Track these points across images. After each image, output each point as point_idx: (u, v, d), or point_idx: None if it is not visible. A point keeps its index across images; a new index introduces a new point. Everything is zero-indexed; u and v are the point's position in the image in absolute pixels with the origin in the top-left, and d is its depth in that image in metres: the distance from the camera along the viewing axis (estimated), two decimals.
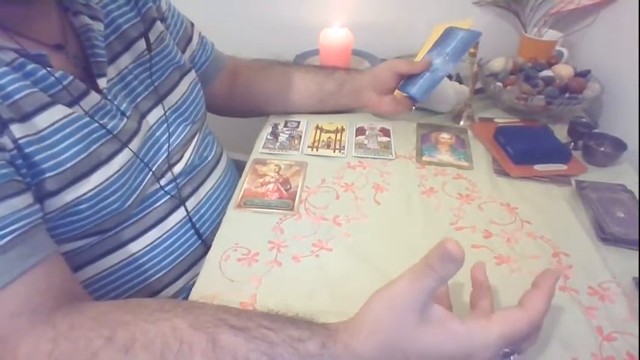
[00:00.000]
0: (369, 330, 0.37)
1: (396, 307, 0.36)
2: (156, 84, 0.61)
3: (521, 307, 0.38)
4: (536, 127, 0.79)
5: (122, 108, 0.55)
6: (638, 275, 0.52)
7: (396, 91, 0.78)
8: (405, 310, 0.36)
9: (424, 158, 0.73)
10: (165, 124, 0.61)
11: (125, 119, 0.55)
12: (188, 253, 0.61)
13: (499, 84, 0.84)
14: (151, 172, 0.57)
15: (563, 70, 0.84)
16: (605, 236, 0.57)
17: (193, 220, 0.62)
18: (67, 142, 0.47)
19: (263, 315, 0.39)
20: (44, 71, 0.47)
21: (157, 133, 0.60)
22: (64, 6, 0.54)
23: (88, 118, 0.50)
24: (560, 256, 0.55)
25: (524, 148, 0.70)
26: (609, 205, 0.61)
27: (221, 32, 0.85)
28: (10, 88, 0.44)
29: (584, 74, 0.84)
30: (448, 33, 0.76)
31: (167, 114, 0.62)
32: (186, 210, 0.62)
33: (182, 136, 0.63)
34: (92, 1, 0.56)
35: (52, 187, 0.46)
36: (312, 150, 0.74)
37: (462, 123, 0.82)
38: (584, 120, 0.78)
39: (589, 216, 0.61)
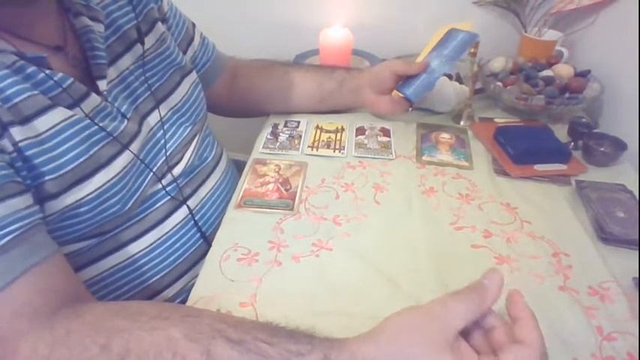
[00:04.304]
0: (390, 335, 0.36)
1: (433, 318, 0.35)
2: (156, 85, 0.61)
3: (523, 344, 0.35)
4: (536, 127, 0.79)
5: (122, 110, 0.55)
6: (638, 275, 0.52)
7: (394, 92, 0.78)
8: (439, 324, 0.35)
9: (424, 158, 0.73)
10: (166, 126, 0.61)
11: (125, 121, 0.54)
12: (189, 253, 0.61)
13: (499, 84, 0.84)
14: (151, 174, 0.57)
15: (563, 70, 0.84)
16: (605, 236, 0.57)
17: (195, 218, 0.62)
18: (67, 145, 0.47)
19: (262, 327, 0.39)
20: (44, 74, 0.47)
21: (158, 135, 0.60)
22: (65, 7, 0.54)
23: (88, 121, 0.50)
24: (560, 256, 0.55)
25: (524, 148, 0.70)
26: (609, 205, 0.61)
27: (221, 32, 0.85)
28: (10, 91, 0.44)
29: (584, 74, 0.84)
30: (449, 34, 0.76)
31: (167, 115, 0.62)
32: (189, 209, 0.62)
33: (183, 137, 0.63)
34: (92, 1, 0.55)
35: (53, 190, 0.46)
36: (312, 150, 0.74)
37: (462, 123, 0.82)
38: (584, 120, 0.78)
39: (589, 216, 0.61)
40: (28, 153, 0.44)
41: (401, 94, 0.76)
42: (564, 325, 0.47)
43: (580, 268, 0.54)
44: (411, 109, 0.78)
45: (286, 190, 0.65)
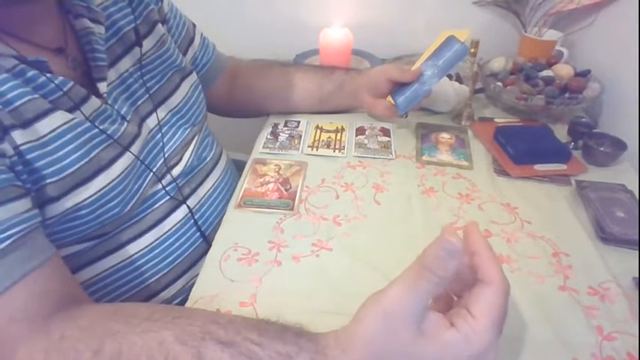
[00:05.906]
0: (363, 343, 0.35)
1: (392, 317, 0.33)
2: (155, 88, 0.61)
3: (485, 283, 0.34)
4: (536, 127, 0.79)
5: (122, 112, 0.55)
6: (638, 275, 0.52)
7: (388, 97, 0.77)
8: (401, 321, 0.33)
9: (424, 158, 0.73)
10: (165, 127, 0.61)
11: (125, 123, 0.54)
12: (189, 252, 0.61)
13: (499, 84, 0.84)
14: (151, 174, 0.57)
15: (563, 70, 0.85)
16: (605, 236, 0.57)
17: (195, 217, 0.62)
18: (68, 148, 0.47)
19: (252, 326, 0.39)
20: (44, 77, 0.47)
21: (157, 136, 0.60)
22: (65, 8, 0.54)
23: (88, 124, 0.50)
24: (560, 256, 0.55)
25: (524, 148, 0.70)
26: (609, 205, 0.61)
27: (221, 33, 0.85)
28: (10, 95, 0.44)
29: (584, 74, 0.84)
30: (447, 43, 0.74)
31: (166, 117, 0.62)
32: (189, 208, 0.62)
33: (182, 138, 0.63)
34: (93, 3, 0.55)
35: (53, 193, 0.46)
36: (312, 150, 0.74)
37: (462, 123, 0.82)
38: (584, 120, 0.78)
39: (589, 216, 0.61)
40: (29, 156, 0.44)
41: (393, 102, 0.76)
42: (564, 325, 0.47)
43: (580, 268, 0.54)
44: (405, 116, 0.78)
45: (286, 190, 0.65)
